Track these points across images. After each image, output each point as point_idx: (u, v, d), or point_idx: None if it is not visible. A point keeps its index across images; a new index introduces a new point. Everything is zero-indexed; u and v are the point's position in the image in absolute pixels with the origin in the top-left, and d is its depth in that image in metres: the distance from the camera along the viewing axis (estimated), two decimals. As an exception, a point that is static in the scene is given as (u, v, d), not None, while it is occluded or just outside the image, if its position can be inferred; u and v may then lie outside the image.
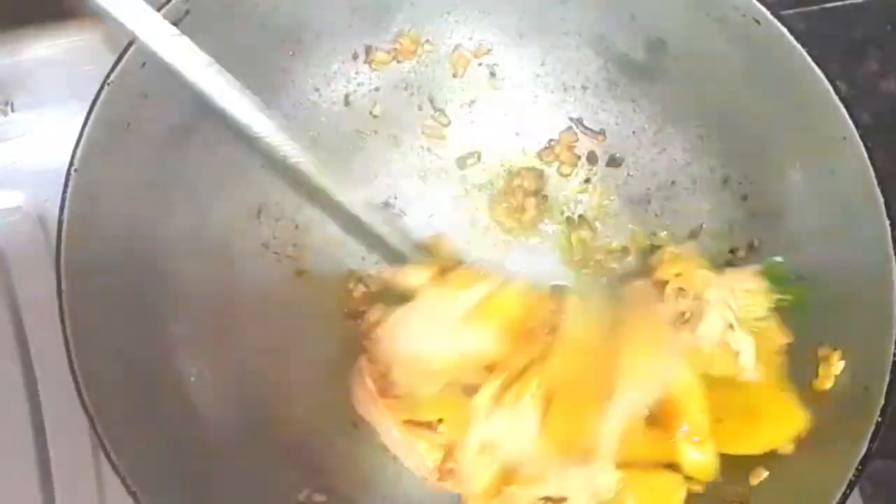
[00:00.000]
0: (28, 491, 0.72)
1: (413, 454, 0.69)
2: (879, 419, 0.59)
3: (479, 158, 0.81)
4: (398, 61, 0.79)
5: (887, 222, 0.61)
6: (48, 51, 0.81)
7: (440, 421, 0.67)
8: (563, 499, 0.64)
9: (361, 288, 0.77)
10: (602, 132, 0.80)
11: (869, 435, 0.58)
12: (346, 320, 0.76)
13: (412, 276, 0.69)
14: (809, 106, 0.65)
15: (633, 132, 0.79)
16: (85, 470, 0.72)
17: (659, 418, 0.65)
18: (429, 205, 0.81)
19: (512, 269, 0.77)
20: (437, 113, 0.81)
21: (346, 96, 0.79)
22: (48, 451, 0.73)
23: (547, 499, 0.64)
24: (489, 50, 0.79)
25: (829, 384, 0.64)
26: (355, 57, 0.78)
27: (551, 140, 0.81)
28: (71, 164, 0.62)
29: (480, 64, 0.80)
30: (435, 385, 0.66)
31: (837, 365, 0.64)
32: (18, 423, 0.73)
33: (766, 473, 0.65)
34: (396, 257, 0.72)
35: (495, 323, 0.66)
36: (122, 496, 0.58)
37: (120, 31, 0.59)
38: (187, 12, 0.63)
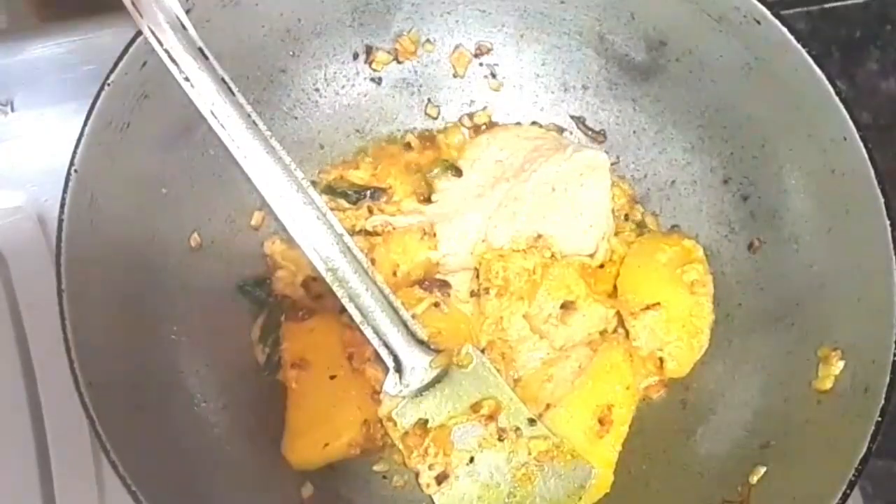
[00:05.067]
0: (28, 491, 0.72)
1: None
2: (879, 419, 0.59)
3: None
4: (398, 61, 0.79)
5: (887, 222, 0.61)
6: (48, 51, 0.81)
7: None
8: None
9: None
10: (602, 132, 0.80)
11: (869, 435, 0.58)
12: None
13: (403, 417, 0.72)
14: (809, 106, 0.65)
15: (634, 132, 0.79)
16: (85, 470, 0.72)
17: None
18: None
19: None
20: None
21: (347, 96, 0.79)
22: (48, 451, 0.73)
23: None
24: (489, 50, 0.79)
25: (829, 384, 0.64)
26: (355, 57, 0.78)
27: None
28: (71, 164, 0.62)
29: (481, 64, 0.80)
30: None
31: (837, 365, 0.64)
32: (18, 423, 0.74)
33: (763, 470, 0.65)
34: (407, 341, 0.71)
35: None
36: (122, 496, 0.58)
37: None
38: (188, 13, 0.63)
